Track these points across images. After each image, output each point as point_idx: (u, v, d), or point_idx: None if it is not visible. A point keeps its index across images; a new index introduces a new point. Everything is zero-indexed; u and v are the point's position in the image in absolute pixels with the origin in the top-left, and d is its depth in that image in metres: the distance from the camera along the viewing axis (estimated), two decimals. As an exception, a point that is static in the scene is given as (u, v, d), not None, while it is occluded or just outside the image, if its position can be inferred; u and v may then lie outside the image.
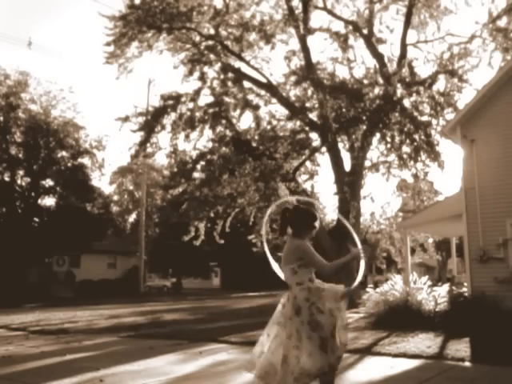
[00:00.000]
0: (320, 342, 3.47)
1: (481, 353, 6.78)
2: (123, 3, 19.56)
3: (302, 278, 3.62)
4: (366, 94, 18.15)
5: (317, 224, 3.84)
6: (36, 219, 32.17)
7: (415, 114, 17.80)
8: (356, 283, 3.86)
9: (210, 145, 20.58)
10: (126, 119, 20.20)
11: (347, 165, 19.59)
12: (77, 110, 33.14)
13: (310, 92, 19.46)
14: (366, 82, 19.53)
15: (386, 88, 17.38)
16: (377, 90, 18.58)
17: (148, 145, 20.44)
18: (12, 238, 27.69)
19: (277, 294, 9.72)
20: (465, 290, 11.13)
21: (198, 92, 20.34)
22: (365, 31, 19.83)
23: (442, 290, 10.91)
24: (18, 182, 32.27)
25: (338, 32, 20.17)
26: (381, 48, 19.94)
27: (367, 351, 7.21)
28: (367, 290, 12.18)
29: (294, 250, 3.68)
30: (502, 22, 18.65)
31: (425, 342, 7.77)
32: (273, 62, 74.04)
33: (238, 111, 20.57)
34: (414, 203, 24.64)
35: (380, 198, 66.24)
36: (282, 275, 3.85)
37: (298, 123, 20.12)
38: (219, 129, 20.49)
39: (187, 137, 20.17)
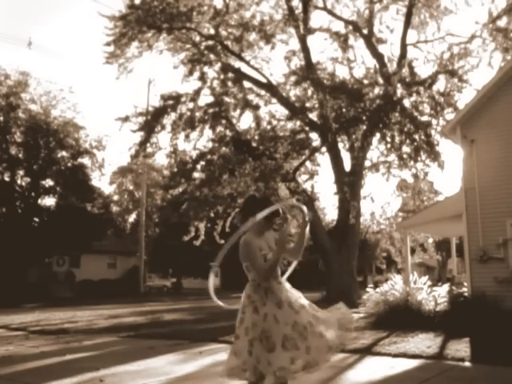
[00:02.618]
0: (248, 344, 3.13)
1: (481, 353, 6.77)
2: (123, 3, 19.63)
3: (254, 276, 3.28)
4: (366, 93, 18.17)
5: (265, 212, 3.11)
6: (36, 219, 32.11)
7: (415, 114, 17.81)
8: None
9: (210, 145, 20.61)
10: (126, 119, 20.22)
11: (347, 165, 19.64)
12: (77, 110, 33.03)
13: (310, 92, 19.48)
14: (366, 82, 19.54)
15: (386, 88, 17.39)
16: (377, 90, 18.60)
17: (148, 145, 20.46)
18: (12, 238, 27.66)
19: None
20: (465, 289, 11.12)
21: (198, 92, 20.36)
22: (365, 31, 19.84)
23: (442, 290, 10.90)
24: (18, 182, 32.19)
25: (338, 32, 20.19)
26: (381, 48, 20.02)
27: (367, 351, 7.20)
28: (367, 289, 12.18)
29: (242, 247, 3.26)
30: (502, 22, 18.68)
31: (425, 342, 7.76)
32: (273, 61, 74.23)
33: (238, 111, 20.60)
34: (413, 203, 24.63)
35: (380, 198, 66.45)
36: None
37: (298, 123, 20.13)
38: (219, 129, 20.51)
39: (187, 137, 20.19)
